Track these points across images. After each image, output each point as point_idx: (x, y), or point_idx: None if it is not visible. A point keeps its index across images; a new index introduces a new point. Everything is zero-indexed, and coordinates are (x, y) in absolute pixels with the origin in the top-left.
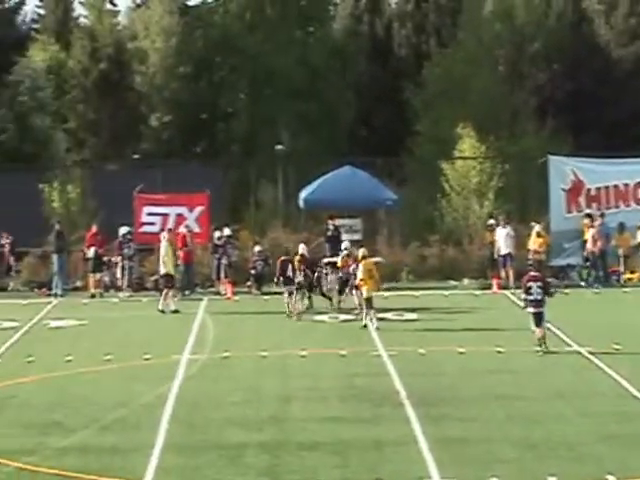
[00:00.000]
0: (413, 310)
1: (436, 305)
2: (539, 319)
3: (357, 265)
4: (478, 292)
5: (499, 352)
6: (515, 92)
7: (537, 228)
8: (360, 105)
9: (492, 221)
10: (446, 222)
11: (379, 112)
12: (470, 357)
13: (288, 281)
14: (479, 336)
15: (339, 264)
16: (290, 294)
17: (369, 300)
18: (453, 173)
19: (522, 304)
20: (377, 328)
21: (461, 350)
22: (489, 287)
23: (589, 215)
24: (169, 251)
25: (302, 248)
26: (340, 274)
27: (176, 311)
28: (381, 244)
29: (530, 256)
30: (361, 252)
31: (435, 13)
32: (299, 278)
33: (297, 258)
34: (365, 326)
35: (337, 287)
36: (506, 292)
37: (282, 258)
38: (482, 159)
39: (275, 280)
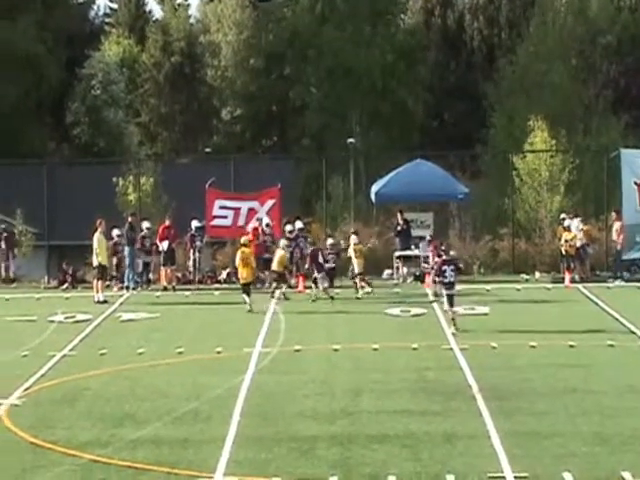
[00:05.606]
0: (485, 304)
1: (508, 299)
2: (452, 300)
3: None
4: (550, 286)
5: (571, 346)
6: (588, 86)
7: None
8: (431, 98)
9: (564, 215)
10: (517, 215)
11: (451, 105)
12: (542, 351)
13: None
14: (551, 330)
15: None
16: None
17: (246, 285)
18: (524, 166)
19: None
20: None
21: (533, 344)
22: (561, 281)
23: None
24: (102, 243)
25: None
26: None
27: (105, 302)
28: (453, 238)
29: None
30: (242, 239)
31: (508, 6)
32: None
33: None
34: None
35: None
36: (578, 286)
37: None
38: (553, 152)
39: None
